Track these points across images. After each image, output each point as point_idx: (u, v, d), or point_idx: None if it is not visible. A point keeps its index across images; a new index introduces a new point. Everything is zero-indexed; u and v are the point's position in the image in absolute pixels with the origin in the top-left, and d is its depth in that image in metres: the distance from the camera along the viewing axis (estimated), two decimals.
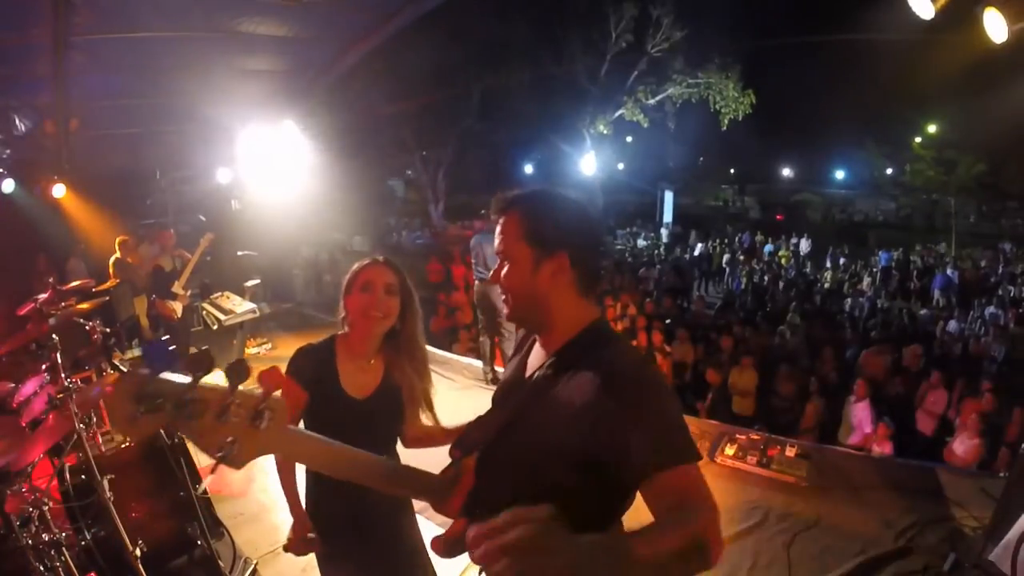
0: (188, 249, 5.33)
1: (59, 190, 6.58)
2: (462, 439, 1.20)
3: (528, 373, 1.24)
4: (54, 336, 2.80)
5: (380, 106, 14.52)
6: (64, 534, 2.48)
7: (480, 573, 0.93)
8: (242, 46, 4.52)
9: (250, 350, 6.15)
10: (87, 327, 3.95)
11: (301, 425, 1.62)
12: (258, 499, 3.71)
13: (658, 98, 17.27)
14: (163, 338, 5.27)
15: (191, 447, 3.32)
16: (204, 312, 5.78)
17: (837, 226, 24.91)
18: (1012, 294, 11.69)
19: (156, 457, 2.85)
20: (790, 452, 3.97)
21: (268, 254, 8.96)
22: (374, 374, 1.71)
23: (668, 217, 22.51)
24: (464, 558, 3.19)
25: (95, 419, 4.16)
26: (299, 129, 5.95)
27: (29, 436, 2.55)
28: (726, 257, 16.03)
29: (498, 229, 1.17)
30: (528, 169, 29.13)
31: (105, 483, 2.40)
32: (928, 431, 5.49)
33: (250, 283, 6.19)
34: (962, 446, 4.69)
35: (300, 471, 1.75)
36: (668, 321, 8.01)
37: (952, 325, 9.30)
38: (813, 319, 8.96)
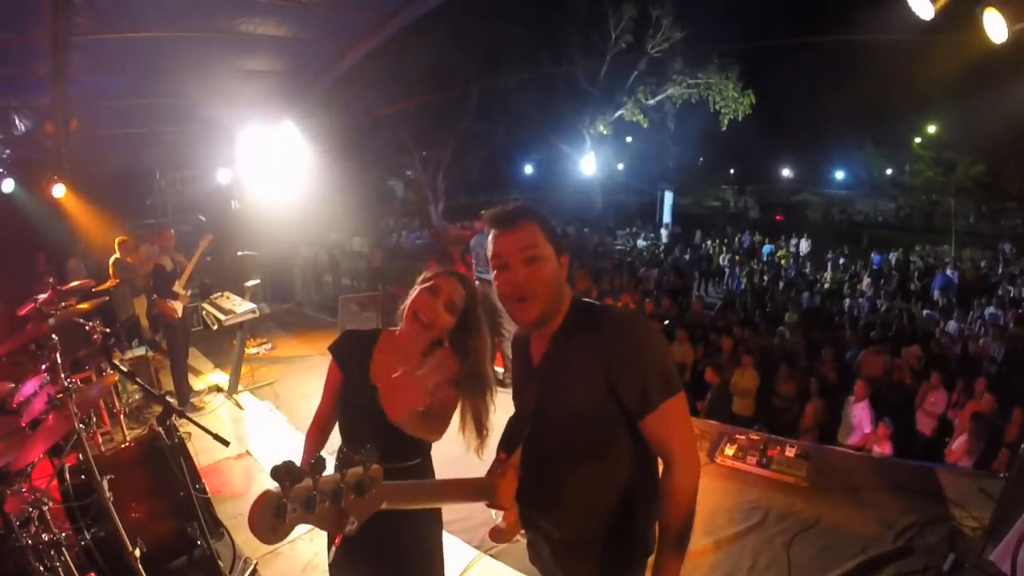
0: (187, 250, 5.34)
1: (59, 190, 6.58)
2: (504, 441, 1.38)
3: (536, 363, 1.43)
4: (54, 336, 2.80)
5: (379, 106, 14.52)
6: (64, 534, 2.47)
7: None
8: (242, 47, 4.52)
9: (250, 350, 6.15)
10: (87, 327, 3.94)
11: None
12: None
13: (658, 98, 17.29)
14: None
15: (191, 447, 3.33)
16: (204, 312, 5.78)
17: (837, 226, 24.92)
18: (1012, 294, 11.69)
19: (156, 457, 2.84)
20: (790, 452, 3.97)
21: (268, 254, 8.97)
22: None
23: (668, 217, 22.51)
24: (465, 558, 3.18)
25: (95, 419, 4.17)
26: (299, 129, 5.95)
27: (29, 436, 2.55)
28: (727, 257, 16.02)
29: (517, 236, 1.34)
30: (528, 169, 29.17)
31: (105, 483, 2.39)
32: (928, 431, 5.50)
33: (250, 283, 6.18)
34: (960, 447, 4.70)
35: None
36: (667, 322, 8.01)
37: (952, 325, 9.31)
38: (812, 319, 8.96)
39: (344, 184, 14.47)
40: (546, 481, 1.39)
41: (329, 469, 1.02)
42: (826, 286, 13.21)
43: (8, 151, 5.70)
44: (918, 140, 19.79)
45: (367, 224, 18.75)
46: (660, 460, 1.33)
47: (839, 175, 29.97)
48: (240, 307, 5.38)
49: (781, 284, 13.05)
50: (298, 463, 1.60)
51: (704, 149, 24.03)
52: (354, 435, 1.68)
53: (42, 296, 3.18)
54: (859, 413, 5.27)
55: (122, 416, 4.44)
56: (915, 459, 4.46)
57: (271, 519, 0.94)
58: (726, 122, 16.89)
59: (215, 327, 5.63)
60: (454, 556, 2.98)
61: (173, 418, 2.54)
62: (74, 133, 5.42)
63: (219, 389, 5.62)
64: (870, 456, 4.64)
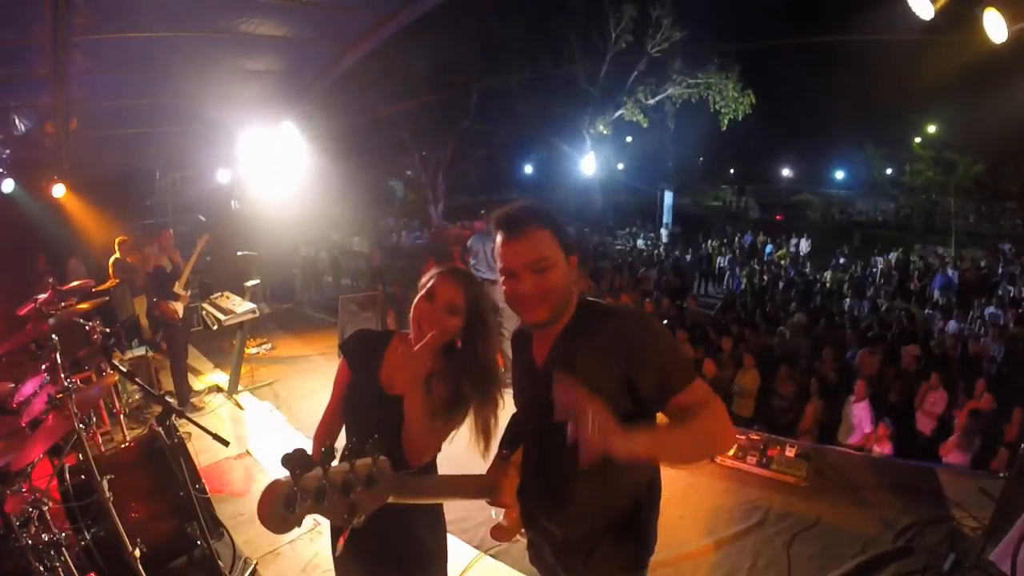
0: (186, 250, 5.34)
1: (59, 190, 6.58)
2: (506, 440, 1.39)
3: (539, 363, 1.43)
4: (54, 336, 2.79)
5: (379, 106, 14.52)
6: (64, 534, 2.47)
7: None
8: (241, 47, 4.52)
9: (250, 350, 6.15)
10: (87, 327, 3.95)
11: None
12: (258, 499, 3.71)
13: (658, 98, 17.30)
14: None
15: (191, 447, 3.33)
16: (204, 312, 5.78)
17: (836, 226, 24.91)
18: (1012, 294, 11.69)
19: (156, 457, 2.84)
20: (790, 452, 3.97)
21: (268, 254, 8.96)
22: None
23: (667, 217, 22.51)
24: (465, 558, 3.17)
25: (95, 419, 4.17)
26: (298, 129, 5.95)
27: (29, 436, 2.55)
28: (727, 257, 16.01)
29: (525, 247, 1.33)
30: (528, 169, 29.15)
31: (105, 483, 2.39)
32: (928, 431, 5.50)
33: (250, 283, 6.19)
34: (952, 442, 4.73)
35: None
36: (665, 322, 8.01)
37: (952, 325, 9.31)
38: (813, 319, 8.96)
39: (344, 184, 14.46)
40: (550, 481, 1.39)
41: (333, 463, 1.02)
42: (827, 286, 13.22)
43: (8, 151, 5.70)
44: (918, 140, 19.79)
45: (367, 224, 18.76)
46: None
47: (839, 175, 29.94)
48: (240, 307, 5.38)
49: (781, 284, 13.05)
50: None
51: (704, 149, 24.04)
52: (361, 436, 1.67)
53: (42, 296, 3.18)
54: (859, 413, 5.27)
55: (122, 416, 4.44)
56: (915, 459, 4.46)
57: (282, 510, 0.93)
58: (726, 122, 16.90)
59: (215, 327, 5.63)
60: (454, 556, 2.96)
61: (173, 418, 2.54)
62: (74, 133, 5.42)
63: (219, 389, 5.62)
64: (870, 456, 4.64)
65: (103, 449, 4.02)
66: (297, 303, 10.07)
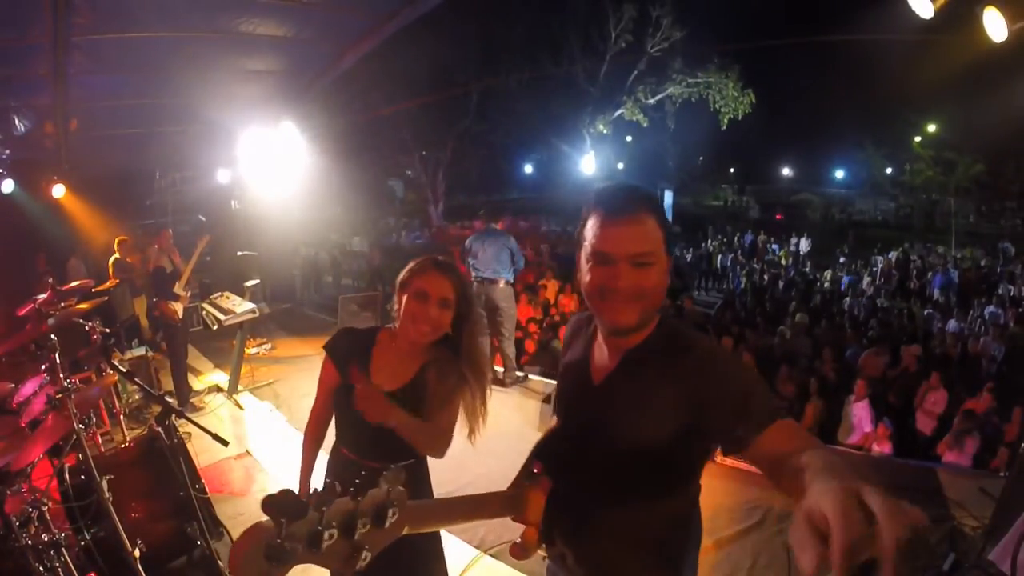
0: (186, 250, 5.34)
1: (59, 190, 6.59)
2: (539, 453, 1.26)
3: (596, 378, 1.23)
4: (53, 336, 2.79)
5: (379, 106, 14.53)
6: (64, 534, 2.47)
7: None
8: (242, 47, 4.52)
9: (250, 350, 6.15)
10: (87, 327, 3.95)
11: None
12: (258, 499, 3.69)
13: (658, 98, 17.26)
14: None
15: (191, 447, 3.32)
16: (204, 312, 5.77)
17: (836, 226, 24.92)
18: (1012, 293, 11.69)
19: (156, 457, 2.84)
20: None
21: (268, 254, 8.97)
22: (407, 370, 1.66)
23: (667, 217, 22.52)
24: (465, 558, 3.15)
25: (94, 419, 4.17)
26: (298, 129, 5.95)
27: (29, 436, 2.55)
28: (728, 257, 16.02)
29: (633, 233, 1.11)
30: (528, 169, 29.15)
31: (104, 483, 2.39)
32: (928, 431, 5.49)
33: (250, 283, 6.19)
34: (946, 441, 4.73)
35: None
36: None
37: (952, 324, 9.31)
38: (813, 319, 8.96)
39: (344, 184, 14.49)
40: (583, 510, 1.22)
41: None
42: (826, 285, 13.22)
43: (8, 151, 5.70)
44: (918, 139, 19.83)
45: (367, 224, 18.76)
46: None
47: (839, 175, 29.99)
48: (240, 307, 5.38)
49: (781, 284, 13.05)
50: (298, 466, 1.53)
51: (704, 148, 24.06)
52: (350, 435, 1.67)
53: (42, 296, 3.18)
54: (859, 413, 5.27)
55: (122, 416, 4.44)
56: (915, 459, 4.46)
57: (262, 564, 0.74)
58: (726, 121, 16.87)
59: (215, 327, 5.63)
60: (454, 556, 2.98)
61: (173, 418, 2.54)
62: (74, 133, 5.43)
63: (219, 389, 5.62)
64: (870, 456, 4.64)
65: (103, 449, 4.02)
66: (297, 303, 10.07)
